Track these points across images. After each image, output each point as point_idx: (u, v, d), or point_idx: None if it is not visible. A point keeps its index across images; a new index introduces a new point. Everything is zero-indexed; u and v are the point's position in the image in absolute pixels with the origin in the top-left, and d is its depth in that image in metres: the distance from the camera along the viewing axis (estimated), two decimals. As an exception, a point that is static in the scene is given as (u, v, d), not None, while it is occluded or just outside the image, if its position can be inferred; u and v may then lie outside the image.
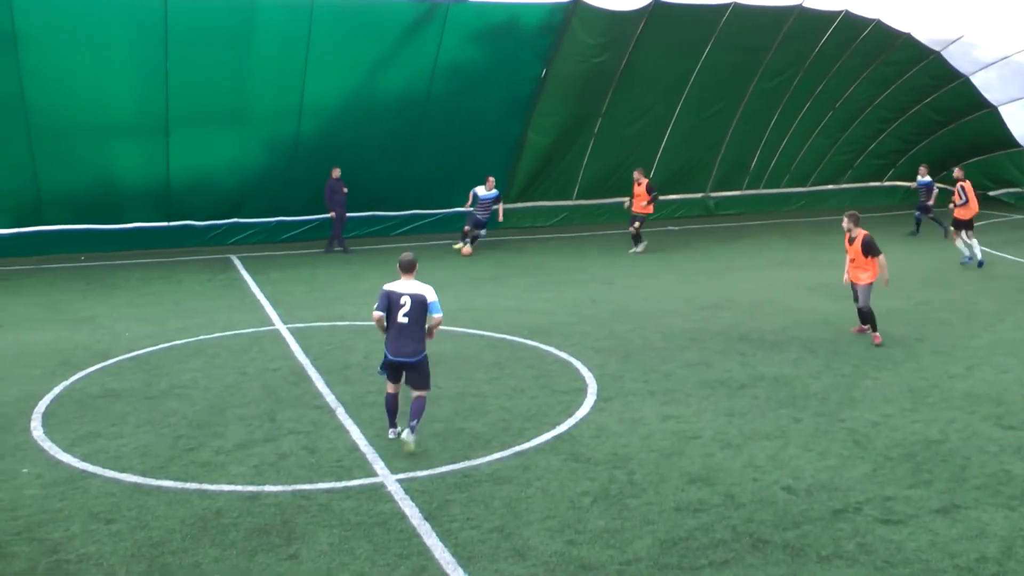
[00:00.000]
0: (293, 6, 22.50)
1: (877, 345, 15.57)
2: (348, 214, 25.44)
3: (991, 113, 33.04)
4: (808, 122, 31.96)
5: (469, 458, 10.73)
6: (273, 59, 23.24)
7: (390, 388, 11.18)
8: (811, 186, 34.44)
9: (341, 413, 12.32)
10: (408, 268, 11.00)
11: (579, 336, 16.23)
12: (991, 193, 36.14)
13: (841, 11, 27.77)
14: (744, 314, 17.88)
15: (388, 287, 10.92)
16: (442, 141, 26.24)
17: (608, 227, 28.74)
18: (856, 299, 16.27)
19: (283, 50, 23.20)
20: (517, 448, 11.03)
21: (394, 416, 11.28)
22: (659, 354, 15.14)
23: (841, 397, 13.00)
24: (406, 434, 10.80)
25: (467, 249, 24.83)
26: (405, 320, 10.73)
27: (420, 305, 10.76)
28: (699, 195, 31.97)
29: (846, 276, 16.48)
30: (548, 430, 11.62)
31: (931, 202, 28.47)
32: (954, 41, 29.96)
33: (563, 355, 15.04)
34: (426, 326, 10.92)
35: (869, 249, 15.86)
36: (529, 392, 13.16)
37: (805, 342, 15.91)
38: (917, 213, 28.85)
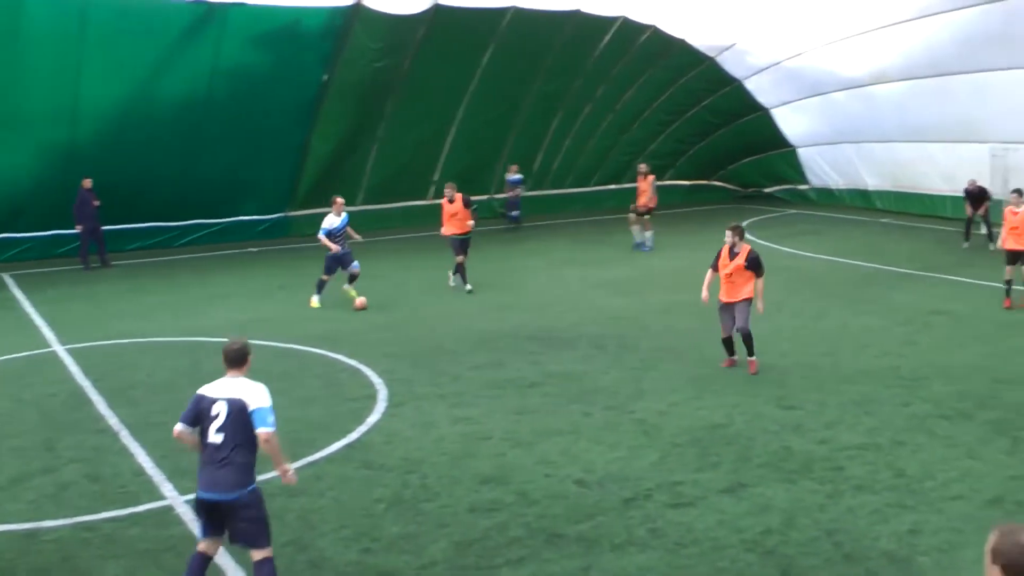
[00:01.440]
0: (64, 1, 21.44)
1: (753, 374, 14.09)
2: (129, 225, 24.42)
3: (764, 115, 34.77)
4: (589, 125, 32.75)
5: (260, 472, 10.37)
6: (43, 58, 22.02)
7: (200, 545, 7.57)
8: (593, 186, 35.29)
9: (125, 436, 11.74)
10: (234, 361, 7.73)
11: (369, 342, 16.07)
12: (766, 190, 38.10)
13: (619, 17, 28.58)
14: (533, 314, 18.11)
15: (202, 390, 7.59)
16: (225, 148, 25.59)
17: (396, 232, 28.61)
18: (724, 321, 14.66)
19: (54, 49, 22.00)
20: (309, 459, 10.79)
21: None
22: (449, 357, 15.14)
23: (630, 390, 13.31)
24: None
25: (361, 300, 19.19)
26: (218, 438, 7.37)
27: (239, 414, 7.45)
28: (484, 197, 32.23)
29: (705, 293, 14.84)
30: (339, 439, 11.43)
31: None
32: (727, 48, 31.35)
33: (353, 362, 14.86)
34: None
35: (756, 266, 14.46)
36: (319, 401, 12.94)
37: (593, 339, 16.23)
38: (513, 213, 28.99)
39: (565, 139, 32.80)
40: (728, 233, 14.68)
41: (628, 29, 29.24)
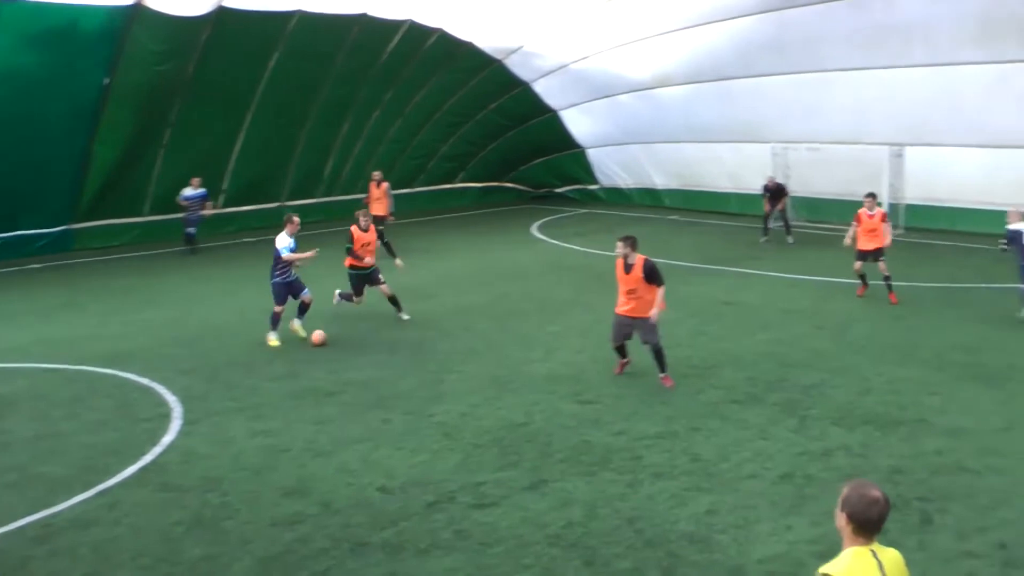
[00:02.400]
0: None
1: (670, 388, 13.54)
2: None
3: (553, 117, 35.59)
4: (379, 129, 32.74)
5: (50, 505, 9.91)
6: None
7: None
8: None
9: None
10: None
11: (162, 359, 15.58)
12: (558, 190, 39.00)
13: (406, 20, 28.65)
14: (327, 321, 17.88)
15: None
16: (1, 155, 24.18)
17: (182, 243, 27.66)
18: (626, 338, 14.08)
19: None
20: (102, 486, 10.38)
21: None
22: (245, 369, 14.88)
23: (428, 393, 13.40)
24: None
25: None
26: None
27: None
28: (275, 205, 31.74)
29: (622, 310, 13.97)
30: (134, 462, 11.04)
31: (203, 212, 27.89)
32: (515, 51, 31.90)
33: (145, 381, 14.36)
34: None
35: (653, 276, 13.72)
36: (111, 424, 12.45)
37: (390, 344, 16.25)
38: (190, 230, 27.40)
39: (355, 144, 32.63)
40: (619, 245, 13.79)
41: (415, 33, 29.36)
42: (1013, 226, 17.94)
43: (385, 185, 26.84)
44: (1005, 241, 18.19)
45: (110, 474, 10.71)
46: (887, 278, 19.00)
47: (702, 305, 18.88)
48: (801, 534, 8.85)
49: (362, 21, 27.61)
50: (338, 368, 14.82)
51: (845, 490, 4.70)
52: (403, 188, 35.63)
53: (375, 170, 28.35)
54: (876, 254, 19.18)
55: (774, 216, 27.66)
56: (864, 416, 12.14)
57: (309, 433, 11.88)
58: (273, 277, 16.60)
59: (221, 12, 24.66)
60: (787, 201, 27.70)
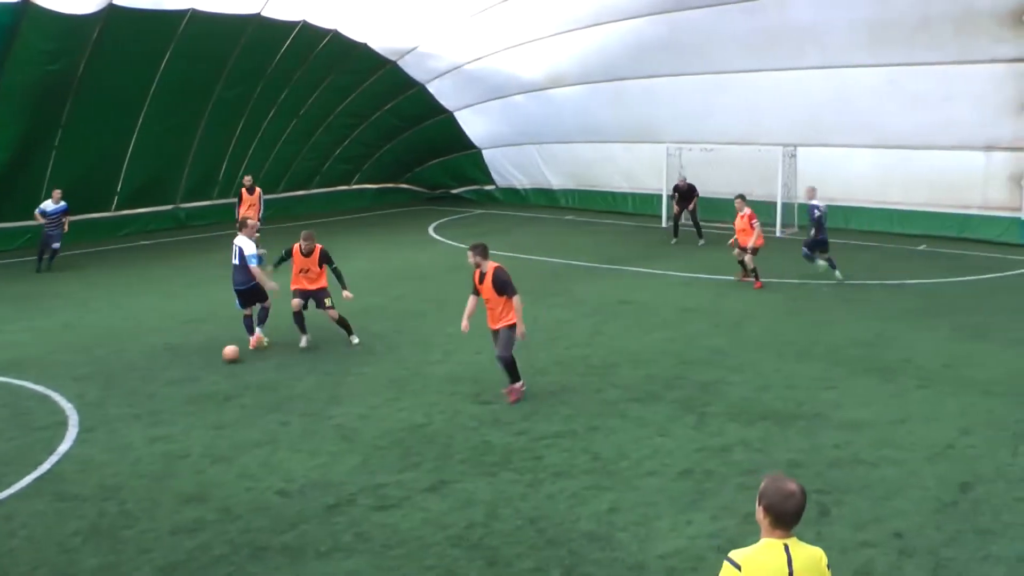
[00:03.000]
0: None
1: (514, 402, 13.07)
2: None
3: (448, 118, 35.73)
4: (273, 130, 32.51)
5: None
6: None
7: None
8: (282, 193, 34.97)
9: None
10: None
11: (56, 366, 15.32)
12: (454, 191, 39.20)
13: (299, 21, 28.53)
14: (225, 325, 17.73)
15: None
16: None
17: (79, 246, 27.08)
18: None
19: None
20: (-4, 497, 10.23)
21: None
22: (142, 374, 14.72)
23: (327, 395, 13.45)
24: None
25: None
26: None
27: None
28: (170, 207, 31.29)
29: (464, 323, 13.51)
30: (29, 472, 10.85)
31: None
32: (409, 51, 31.98)
33: (40, 388, 14.11)
34: None
35: (503, 287, 12.89)
36: (5, 434, 12.19)
37: (287, 347, 16.20)
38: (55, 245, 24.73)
39: (250, 146, 32.35)
40: (469, 254, 13.33)
41: (309, 33, 29.25)
42: (810, 202, 21.65)
43: (258, 191, 26.89)
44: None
45: (4, 485, 10.52)
46: (753, 270, 21.04)
47: (600, 304, 19.23)
48: (701, 529, 9.10)
49: (256, 21, 27.41)
50: (237, 371, 14.76)
51: (763, 483, 4.86)
52: (299, 190, 35.54)
53: (247, 175, 28.34)
54: (745, 250, 21.07)
55: (684, 217, 28.06)
56: (762, 412, 12.53)
57: (208, 438, 11.84)
58: (245, 284, 16.04)
59: (111, 10, 24.20)
60: (696, 202, 28.18)
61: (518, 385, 13.18)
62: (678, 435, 11.71)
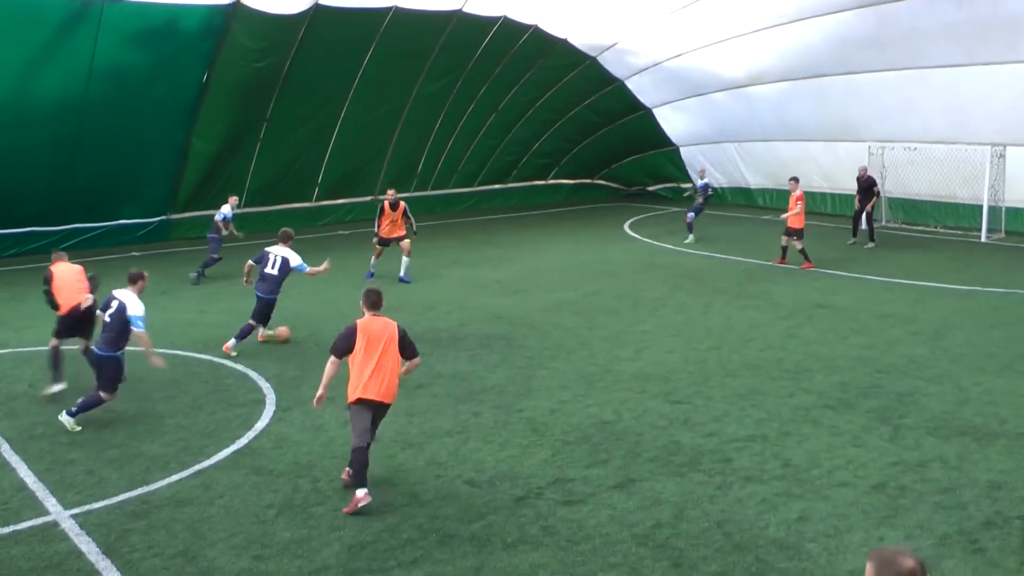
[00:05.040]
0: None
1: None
2: (4, 231, 23.57)
3: (646, 115, 35.45)
4: (472, 124, 32.89)
5: (148, 483, 10.17)
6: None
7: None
8: (478, 186, 35.41)
9: (6, 450, 11.29)
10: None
11: (255, 346, 15.86)
12: (650, 188, 38.85)
13: (500, 17, 28.73)
14: (418, 314, 18.07)
15: None
16: (103, 149, 24.82)
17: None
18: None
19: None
20: (197, 467, 10.60)
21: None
22: (337, 358, 14.97)
23: (518, 388, 13.40)
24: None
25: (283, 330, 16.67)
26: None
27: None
28: (368, 198, 32.09)
29: None
30: (228, 445, 11.26)
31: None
32: (609, 48, 31.81)
33: (239, 367, 14.65)
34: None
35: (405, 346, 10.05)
36: (207, 408, 12.71)
37: (480, 338, 16.30)
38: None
39: (449, 140, 32.86)
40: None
41: (509, 29, 29.43)
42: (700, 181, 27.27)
43: (402, 206, 22.43)
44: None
45: (205, 456, 10.94)
46: (802, 251, 22.90)
47: (795, 307, 18.62)
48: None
49: (457, 17, 27.76)
50: (429, 361, 14.78)
51: (871, 566, 4.08)
52: (496, 184, 35.89)
53: (391, 188, 23.77)
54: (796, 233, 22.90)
55: (864, 216, 26.87)
56: (961, 427, 11.79)
57: (399, 424, 11.93)
58: (272, 293, 15.98)
59: (317, 9, 24.99)
60: (875, 201, 27.06)
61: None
62: (872, 446, 11.15)
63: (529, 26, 29.74)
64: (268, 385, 13.68)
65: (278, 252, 16.04)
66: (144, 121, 25.02)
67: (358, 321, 9.84)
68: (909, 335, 16.46)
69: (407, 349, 9.94)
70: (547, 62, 31.81)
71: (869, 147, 29.58)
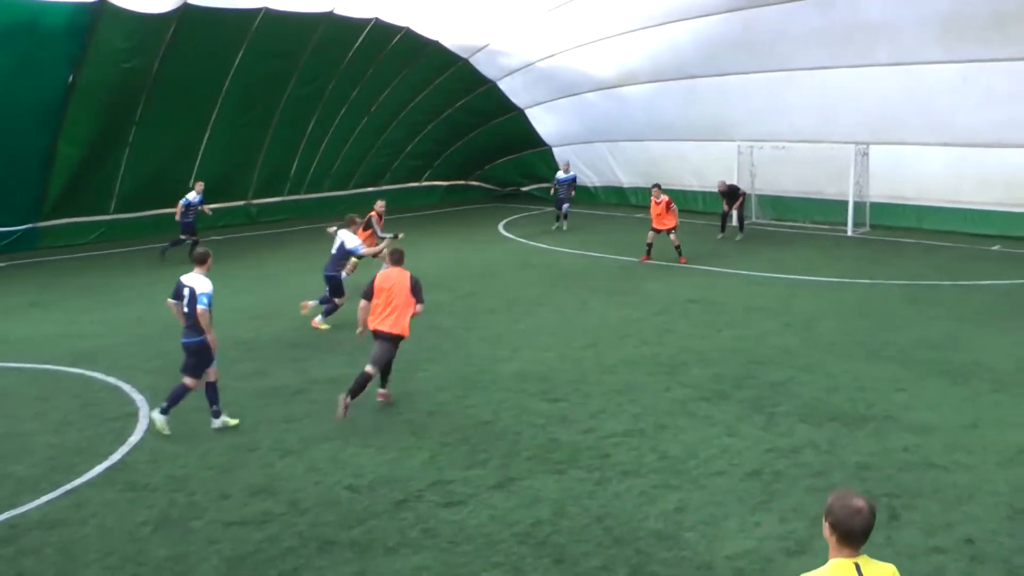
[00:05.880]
0: None
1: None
2: None
3: (518, 115, 35.67)
4: (345, 126, 32.67)
5: (15, 506, 9.85)
6: None
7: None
8: (352, 189, 35.17)
9: None
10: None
11: (128, 358, 15.53)
12: (524, 188, 39.08)
13: (371, 19, 28.63)
14: (295, 320, 17.90)
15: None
16: (-40, 153, 23.79)
17: (152, 240, 27.31)
18: None
19: None
20: (68, 486, 10.32)
21: None
22: (213, 368, 14.78)
23: (396, 391, 13.34)
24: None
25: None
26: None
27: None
28: (241, 203, 31.60)
29: None
30: (100, 462, 11.00)
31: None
32: (481, 49, 31.93)
33: (112, 380, 14.31)
34: None
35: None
36: (77, 424, 12.38)
37: (357, 342, 16.10)
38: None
39: (322, 142, 32.58)
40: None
41: (381, 31, 29.34)
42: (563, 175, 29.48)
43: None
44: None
45: (77, 474, 10.66)
46: (678, 247, 23.69)
47: (669, 303, 19.04)
48: (770, 530, 8.95)
49: (328, 19, 27.55)
50: (306, 367, 14.81)
51: (830, 499, 4.65)
52: (369, 186, 35.63)
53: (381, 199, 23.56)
54: (669, 232, 23.62)
55: (730, 215, 28.00)
56: (831, 413, 12.29)
57: (277, 432, 11.87)
58: (333, 271, 17.70)
59: (187, 9, 24.52)
60: (743, 200, 28.11)
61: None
62: (747, 435, 11.54)
63: (401, 28, 29.69)
64: (142, 397, 13.39)
65: (341, 235, 18.02)
66: (7, 124, 24.14)
67: (377, 273, 12.70)
68: (780, 327, 17.04)
69: (417, 294, 12.54)
70: (419, 63, 31.79)
71: (739, 146, 30.41)
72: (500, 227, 31.07)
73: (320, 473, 10.53)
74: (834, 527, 4.55)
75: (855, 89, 27.60)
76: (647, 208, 33.41)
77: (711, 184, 30.64)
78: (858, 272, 21.95)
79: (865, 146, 28.45)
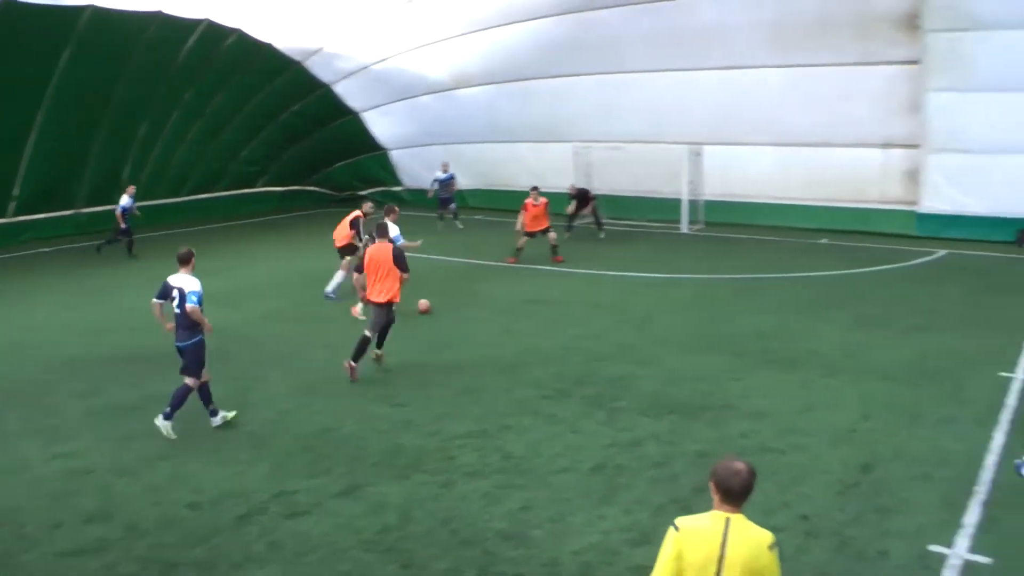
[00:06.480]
0: None
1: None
2: None
3: (354, 119, 35.45)
4: (178, 130, 31.80)
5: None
6: None
7: None
8: (187, 196, 34.27)
9: None
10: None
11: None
12: (361, 193, 38.76)
13: (203, 20, 27.96)
14: (129, 335, 17.33)
15: None
16: None
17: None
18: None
19: None
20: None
21: None
22: (41, 389, 14.18)
23: (236, 402, 13.11)
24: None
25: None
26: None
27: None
28: (70, 212, 30.40)
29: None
30: (-83, 496, 10.33)
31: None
32: (315, 52, 31.58)
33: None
34: None
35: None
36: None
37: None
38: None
39: (154, 147, 31.60)
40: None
41: (213, 33, 28.71)
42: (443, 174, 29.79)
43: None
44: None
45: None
46: (555, 246, 24.02)
47: (510, 303, 19.26)
48: (614, 523, 9.18)
49: (158, 19, 26.73)
50: (143, 382, 14.34)
51: (716, 463, 5.29)
52: (203, 193, 34.82)
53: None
54: (544, 231, 23.98)
55: (581, 216, 28.57)
56: (671, 405, 12.70)
57: (113, 452, 11.47)
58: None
59: (8, 5, 23.35)
60: (595, 202, 28.73)
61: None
62: (589, 431, 11.81)
63: (233, 30, 29.12)
64: (-33, 425, 12.72)
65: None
66: None
67: (367, 248, 14.71)
68: (619, 323, 17.47)
69: (399, 264, 14.17)
70: (253, 67, 31.22)
71: (574, 147, 30.93)
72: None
73: (160, 492, 10.23)
74: (716, 486, 5.18)
75: (688, 91, 28.54)
76: (486, 210, 33.99)
77: (549, 185, 30.99)
78: (694, 268, 22.65)
79: (698, 146, 29.38)
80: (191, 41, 28.68)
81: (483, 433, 11.81)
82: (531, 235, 24.00)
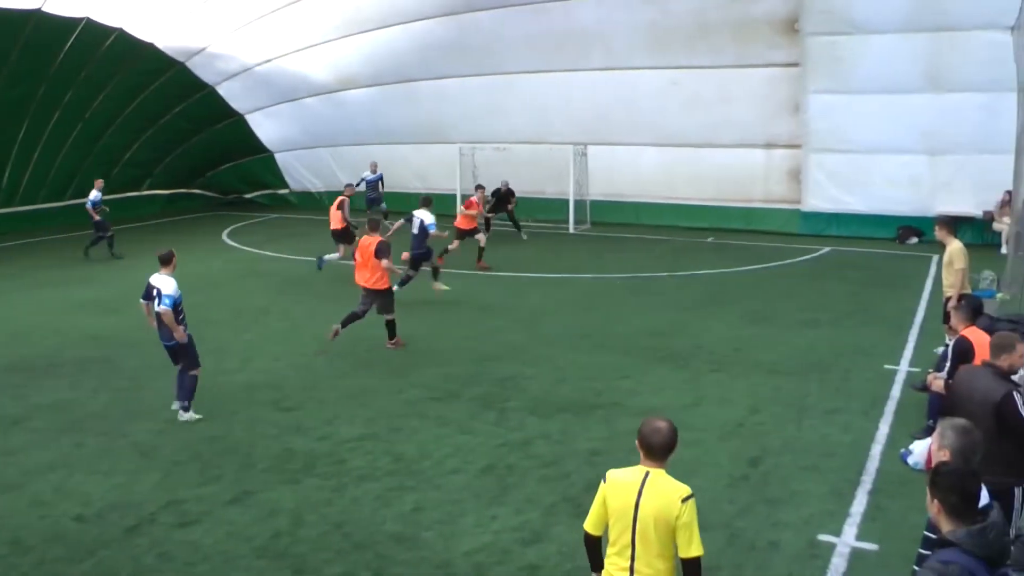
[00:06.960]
0: None
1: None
2: None
3: (239, 121, 35.02)
4: (59, 133, 31.00)
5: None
6: None
7: None
8: (69, 200, 33.42)
9: None
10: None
11: None
12: (247, 196, 38.42)
13: (83, 18, 27.31)
14: (7, 343, 16.94)
15: None
16: None
17: None
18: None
19: None
20: None
21: None
22: (-81, 400, 13.74)
23: (122, 412, 12.98)
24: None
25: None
26: None
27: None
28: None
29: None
30: None
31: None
32: (198, 52, 31.10)
33: None
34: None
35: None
36: None
37: (78, 363, 15.58)
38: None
39: (35, 150, 30.75)
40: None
41: (93, 32, 28.04)
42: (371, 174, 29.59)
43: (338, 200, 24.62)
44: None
45: None
46: (482, 248, 23.69)
47: (397, 305, 19.15)
48: (506, 523, 9.33)
49: (36, 17, 26.00)
50: (24, 392, 14.03)
51: (642, 422, 5.81)
52: (85, 197, 33.89)
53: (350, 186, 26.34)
54: (472, 232, 23.81)
55: (503, 217, 28.70)
56: (561, 404, 12.93)
57: (-4, 465, 11.24)
58: (420, 248, 19.66)
59: None
60: (515, 203, 28.78)
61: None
62: (479, 432, 11.95)
63: (114, 29, 28.51)
64: None
65: (419, 214, 19.69)
66: None
67: (360, 238, 16.21)
68: (508, 323, 17.68)
69: (379, 255, 15.56)
70: (135, 67, 30.60)
71: (460, 148, 31.12)
72: (224, 235, 30.41)
73: (45, 506, 10.05)
74: (640, 443, 5.70)
75: (570, 92, 28.98)
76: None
77: (433, 185, 31.22)
78: (581, 267, 23.00)
79: (583, 146, 29.79)
80: (71, 40, 27.97)
81: (374, 436, 11.86)
82: (462, 236, 23.62)
